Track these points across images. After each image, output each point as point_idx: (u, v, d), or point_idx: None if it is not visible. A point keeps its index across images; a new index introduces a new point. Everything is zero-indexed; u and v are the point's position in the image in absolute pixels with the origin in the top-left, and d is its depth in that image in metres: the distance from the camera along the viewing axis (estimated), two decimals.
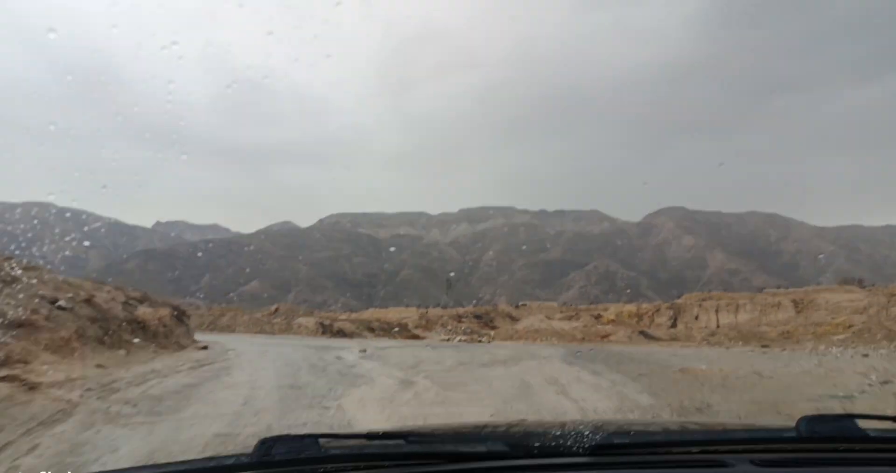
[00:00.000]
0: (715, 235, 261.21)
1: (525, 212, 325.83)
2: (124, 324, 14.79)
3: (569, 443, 1.43)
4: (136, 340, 14.51)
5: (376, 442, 1.53)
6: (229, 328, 42.29)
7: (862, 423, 1.51)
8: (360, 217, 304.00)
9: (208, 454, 2.74)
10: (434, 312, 69.77)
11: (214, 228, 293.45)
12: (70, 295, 13.57)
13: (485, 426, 2.05)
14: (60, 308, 12.20)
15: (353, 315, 66.10)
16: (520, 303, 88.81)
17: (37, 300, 11.61)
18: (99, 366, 10.60)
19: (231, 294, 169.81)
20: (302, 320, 42.23)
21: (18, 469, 4.44)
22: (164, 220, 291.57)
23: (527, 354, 19.61)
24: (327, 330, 39.32)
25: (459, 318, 63.03)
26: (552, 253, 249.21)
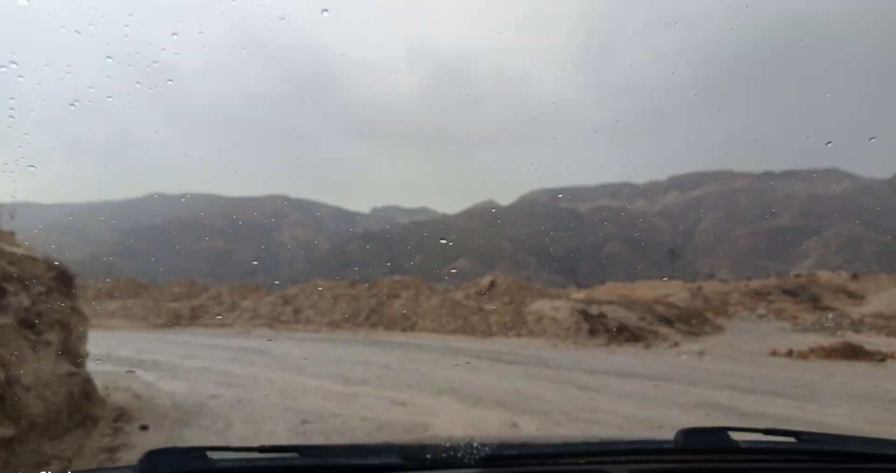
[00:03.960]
0: None
1: (746, 175, 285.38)
2: None
3: (460, 455, 1.47)
4: None
5: (267, 456, 1.45)
6: (404, 323, 23.85)
7: (734, 435, 1.58)
8: (560, 192, 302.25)
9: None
10: (712, 287, 48.01)
11: (423, 210, 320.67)
12: None
13: (378, 442, 2.08)
14: None
15: (585, 293, 46.16)
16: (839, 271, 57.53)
17: None
18: None
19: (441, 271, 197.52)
20: (544, 305, 22.81)
21: None
22: (379, 205, 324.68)
23: None
24: (598, 327, 20.67)
25: (760, 295, 43.55)
26: (780, 220, 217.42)
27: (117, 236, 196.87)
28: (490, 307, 24.64)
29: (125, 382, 9.45)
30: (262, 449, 1.43)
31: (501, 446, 1.56)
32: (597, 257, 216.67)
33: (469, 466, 1.45)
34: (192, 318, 27.73)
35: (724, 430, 1.59)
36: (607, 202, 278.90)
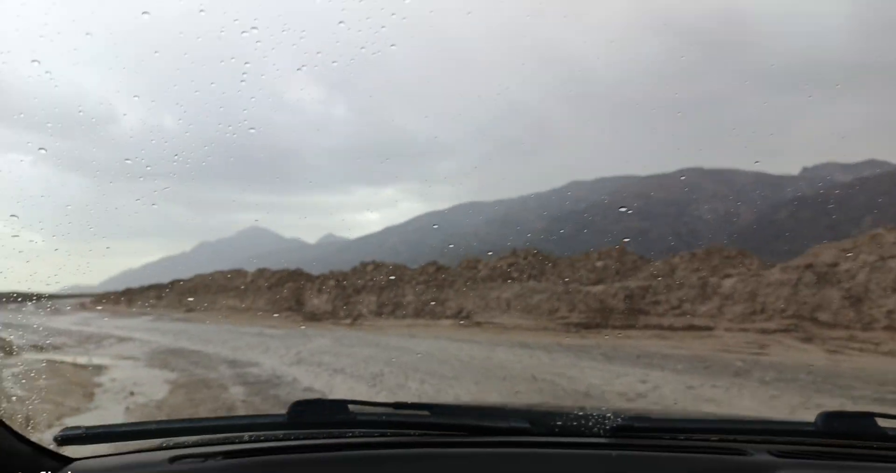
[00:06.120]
0: None
1: None
2: None
3: (590, 424, 1.45)
4: None
5: (402, 412, 1.56)
6: None
7: (882, 422, 1.47)
8: None
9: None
10: None
11: (870, 163, 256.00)
12: None
13: (507, 404, 2.06)
14: None
15: None
16: None
17: None
18: None
19: None
20: None
21: None
22: (810, 164, 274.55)
23: None
24: None
25: None
26: None
27: (545, 223, 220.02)
28: None
29: None
30: (397, 406, 1.54)
31: (633, 417, 1.54)
32: None
33: (598, 435, 1.44)
34: (630, 313, 18.30)
35: (871, 416, 1.48)
36: None
